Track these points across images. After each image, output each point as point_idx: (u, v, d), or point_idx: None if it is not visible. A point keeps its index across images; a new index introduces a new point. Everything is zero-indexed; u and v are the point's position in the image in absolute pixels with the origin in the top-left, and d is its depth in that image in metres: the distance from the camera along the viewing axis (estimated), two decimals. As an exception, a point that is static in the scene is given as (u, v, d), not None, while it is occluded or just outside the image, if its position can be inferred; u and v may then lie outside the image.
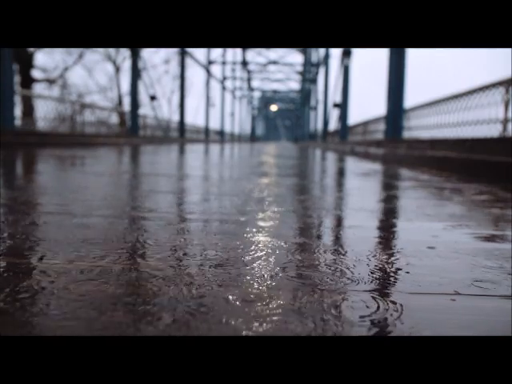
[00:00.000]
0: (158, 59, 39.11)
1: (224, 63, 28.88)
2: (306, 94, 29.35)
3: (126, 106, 18.31)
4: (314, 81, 23.91)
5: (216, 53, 28.88)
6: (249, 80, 41.66)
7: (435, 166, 4.21)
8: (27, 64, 17.19)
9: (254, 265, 0.88)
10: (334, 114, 13.71)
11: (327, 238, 1.20)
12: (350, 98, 11.99)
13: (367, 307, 0.67)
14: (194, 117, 25.81)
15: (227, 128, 32.18)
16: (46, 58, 26.39)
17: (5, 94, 7.10)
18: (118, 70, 23.81)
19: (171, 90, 25.15)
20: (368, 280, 0.80)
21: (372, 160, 6.41)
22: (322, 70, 19.49)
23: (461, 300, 0.72)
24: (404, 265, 0.91)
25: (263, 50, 32.57)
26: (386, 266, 0.90)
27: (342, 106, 12.19)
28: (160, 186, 2.40)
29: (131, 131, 12.95)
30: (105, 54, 23.20)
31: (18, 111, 8.47)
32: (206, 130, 24.20)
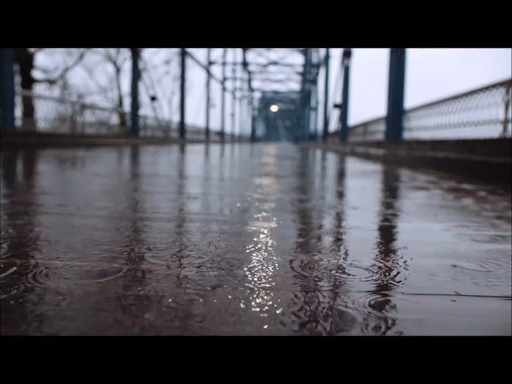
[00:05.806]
0: (158, 60, 39.17)
1: (224, 64, 28.86)
2: (306, 95, 29.34)
3: (127, 106, 18.34)
4: (314, 81, 23.90)
5: (216, 53, 28.92)
6: (249, 81, 41.64)
7: (435, 167, 4.21)
8: (28, 65, 17.21)
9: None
10: (335, 115, 13.70)
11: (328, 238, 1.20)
12: (351, 99, 11.99)
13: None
14: (195, 117, 25.83)
15: (227, 129, 32.18)
16: (46, 59, 26.43)
17: (5, 94, 7.10)
18: (118, 70, 23.84)
19: (172, 90, 25.18)
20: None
21: (373, 161, 6.40)
22: (322, 71, 19.48)
23: (461, 301, 0.72)
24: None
25: (263, 51, 32.57)
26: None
27: (343, 107, 12.18)
28: (161, 186, 2.40)
29: (132, 132, 12.95)
30: (105, 54, 23.23)
31: (18, 112, 8.48)
32: (207, 131, 24.18)
